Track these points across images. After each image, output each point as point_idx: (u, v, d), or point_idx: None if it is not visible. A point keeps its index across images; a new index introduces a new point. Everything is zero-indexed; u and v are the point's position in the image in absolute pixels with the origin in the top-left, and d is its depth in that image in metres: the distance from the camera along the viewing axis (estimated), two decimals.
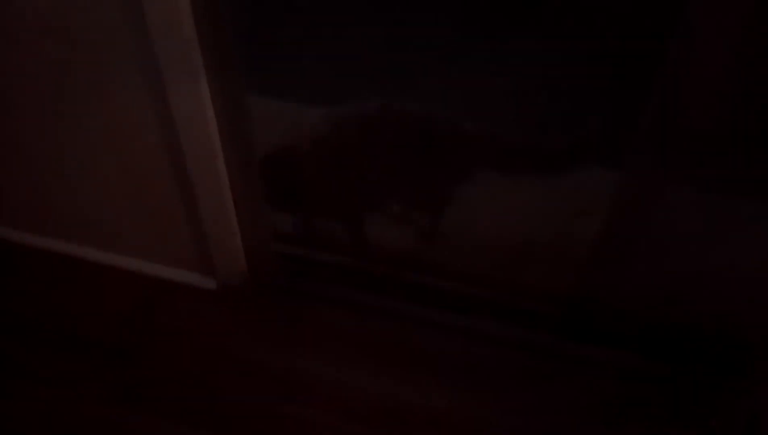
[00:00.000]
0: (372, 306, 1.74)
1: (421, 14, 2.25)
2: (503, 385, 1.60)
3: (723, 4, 1.10)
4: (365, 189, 1.77)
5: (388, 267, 1.83)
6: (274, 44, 2.34)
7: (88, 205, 1.66)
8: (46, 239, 1.81)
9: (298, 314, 1.74)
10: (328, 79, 2.24)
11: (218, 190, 1.49)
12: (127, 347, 1.66)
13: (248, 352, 1.65)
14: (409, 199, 1.89)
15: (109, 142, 1.48)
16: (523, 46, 2.18)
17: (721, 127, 1.31)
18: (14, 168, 1.64)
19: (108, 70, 1.33)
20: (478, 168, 1.82)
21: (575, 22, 2.16)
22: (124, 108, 1.39)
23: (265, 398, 1.56)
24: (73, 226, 1.75)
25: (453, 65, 2.20)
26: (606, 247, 1.54)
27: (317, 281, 1.78)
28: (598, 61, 2.04)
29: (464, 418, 1.54)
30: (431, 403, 1.56)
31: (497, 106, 2.04)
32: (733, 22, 1.12)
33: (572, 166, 1.80)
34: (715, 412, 1.54)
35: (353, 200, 1.79)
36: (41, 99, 1.44)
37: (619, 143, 1.51)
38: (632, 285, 1.61)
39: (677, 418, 1.54)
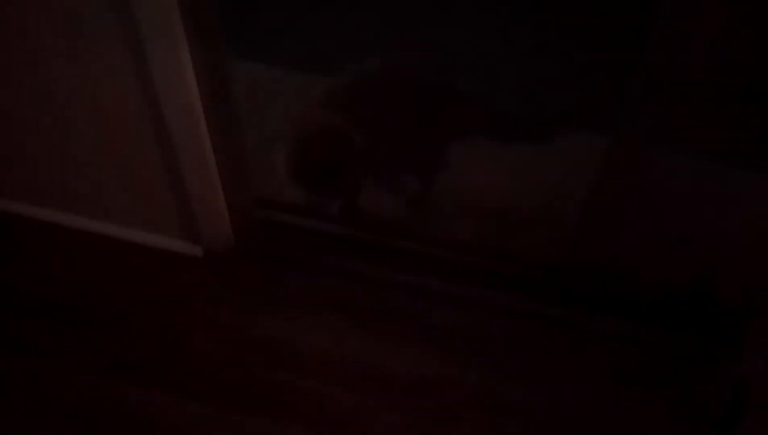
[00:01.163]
0: (360, 273, 1.72)
1: None
2: (496, 352, 1.60)
3: None
4: (363, 155, 1.73)
5: (376, 234, 1.81)
6: (258, 6, 2.31)
7: (70, 172, 1.64)
8: (27, 206, 1.79)
9: (285, 281, 1.72)
10: (315, 41, 2.21)
11: (201, 155, 1.47)
12: (113, 315, 1.65)
13: (234, 319, 1.64)
14: (402, 163, 1.86)
15: (90, 106, 1.45)
16: (515, 11, 2.15)
17: (711, 91, 1.30)
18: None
19: (87, 33, 1.30)
20: (470, 130, 1.80)
21: None
22: (104, 71, 1.36)
23: (250, 365, 1.56)
24: (55, 193, 1.73)
25: (442, 27, 2.17)
26: (595, 213, 1.53)
27: (304, 248, 1.77)
28: (588, 25, 2.02)
29: (450, 385, 1.53)
30: (419, 371, 1.55)
31: (487, 68, 2.02)
32: None
33: (560, 133, 1.78)
34: (703, 378, 1.54)
35: (352, 168, 1.76)
36: (19, 62, 1.41)
37: (607, 108, 1.50)
38: (622, 251, 1.60)
39: (665, 383, 1.54)
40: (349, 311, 1.66)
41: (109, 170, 1.59)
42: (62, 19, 1.29)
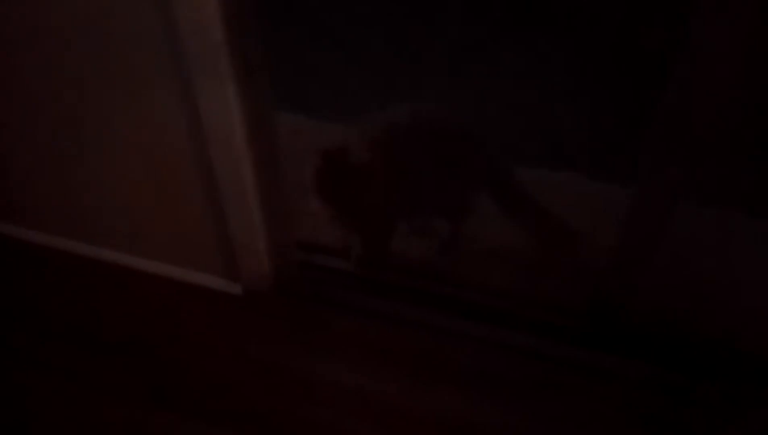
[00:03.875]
0: (392, 315, 1.76)
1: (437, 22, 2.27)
2: (522, 395, 1.61)
3: (729, 13, 1.12)
4: (393, 201, 1.78)
5: (407, 277, 1.86)
6: (297, 60, 2.39)
7: (113, 209, 1.72)
8: (73, 242, 1.87)
9: (321, 321, 1.77)
10: (351, 93, 2.27)
11: (244, 196, 1.53)
12: (152, 349, 1.70)
13: (271, 356, 1.68)
14: (431, 209, 1.91)
15: (137, 145, 1.53)
16: (532, 57, 2.20)
17: (735, 141, 1.31)
18: (41, 170, 1.70)
19: (138, 73, 1.38)
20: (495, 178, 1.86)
21: (587, 35, 2.17)
22: (153, 111, 1.43)
23: (286, 401, 1.59)
24: (99, 229, 1.80)
25: (463, 74, 2.22)
26: (622, 259, 1.56)
27: (340, 289, 1.81)
28: (610, 75, 2.06)
29: (483, 427, 1.55)
30: (450, 412, 1.57)
31: (509, 113, 2.07)
32: (741, 29, 1.14)
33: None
34: (731, 424, 1.53)
35: (381, 213, 1.81)
36: (70, 99, 1.50)
37: (632, 156, 1.53)
38: (649, 297, 1.62)
39: (693, 429, 1.54)
40: (382, 352, 1.69)
41: (153, 208, 1.66)
42: (114, 63, 1.38)
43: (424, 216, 1.98)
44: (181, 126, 1.44)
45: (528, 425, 1.55)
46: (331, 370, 1.66)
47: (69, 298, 1.82)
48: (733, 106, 1.26)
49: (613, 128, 2.03)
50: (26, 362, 1.68)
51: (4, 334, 1.74)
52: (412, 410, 1.57)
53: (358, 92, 2.27)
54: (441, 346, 1.71)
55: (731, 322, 1.66)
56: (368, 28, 2.35)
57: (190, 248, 1.74)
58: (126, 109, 1.46)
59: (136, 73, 1.38)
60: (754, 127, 1.31)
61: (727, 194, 1.55)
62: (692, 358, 1.63)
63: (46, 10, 1.34)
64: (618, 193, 1.88)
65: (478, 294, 1.81)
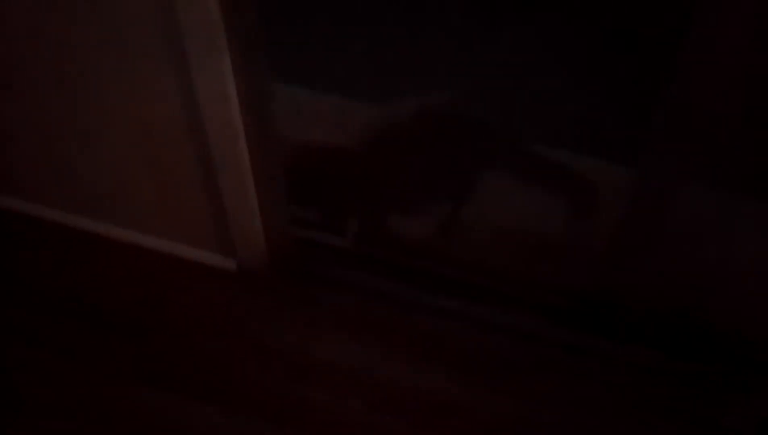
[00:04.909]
0: (388, 294, 1.74)
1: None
2: (517, 376, 1.60)
3: None
4: (395, 185, 1.76)
5: (407, 256, 1.83)
6: (301, 31, 2.35)
7: (108, 182, 1.69)
8: (66, 214, 1.84)
9: (315, 299, 1.75)
10: (350, 68, 2.24)
11: (239, 170, 1.50)
12: (144, 324, 1.68)
13: (263, 333, 1.67)
14: (432, 191, 1.89)
15: (131, 117, 1.50)
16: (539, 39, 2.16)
17: (739, 122, 1.29)
18: (34, 141, 1.67)
19: (133, 45, 1.34)
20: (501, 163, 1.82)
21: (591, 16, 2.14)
22: (148, 84, 1.40)
23: (277, 378, 1.58)
24: (94, 202, 1.77)
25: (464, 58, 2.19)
26: (624, 243, 1.54)
27: (335, 267, 1.79)
28: (613, 56, 2.02)
29: (476, 407, 1.54)
30: (443, 391, 1.56)
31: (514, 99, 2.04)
32: (746, 11, 1.11)
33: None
34: (727, 411, 1.52)
35: (382, 196, 1.79)
36: (63, 70, 1.46)
37: (633, 139, 1.50)
38: (650, 282, 1.60)
39: (689, 415, 1.53)
40: (377, 331, 1.68)
41: (148, 181, 1.63)
42: (110, 35, 1.34)
43: (428, 197, 1.95)
44: (176, 99, 1.41)
45: (522, 406, 1.54)
46: (325, 349, 1.64)
47: (60, 271, 1.80)
48: (738, 87, 1.24)
49: (616, 108, 2.00)
50: (17, 336, 1.66)
51: (3, 308, 1.72)
52: (405, 391, 1.56)
53: (362, 65, 2.23)
54: (436, 326, 1.69)
55: (734, 308, 1.64)
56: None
57: (184, 222, 1.71)
58: (121, 81, 1.42)
59: (130, 45, 1.34)
60: (760, 109, 1.29)
61: (733, 177, 1.52)
62: (692, 344, 1.62)
63: None
64: (620, 175, 1.84)
65: (475, 274, 1.78)
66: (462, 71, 2.14)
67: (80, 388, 1.57)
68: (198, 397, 1.55)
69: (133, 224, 1.79)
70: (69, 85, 1.49)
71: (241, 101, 1.39)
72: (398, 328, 1.69)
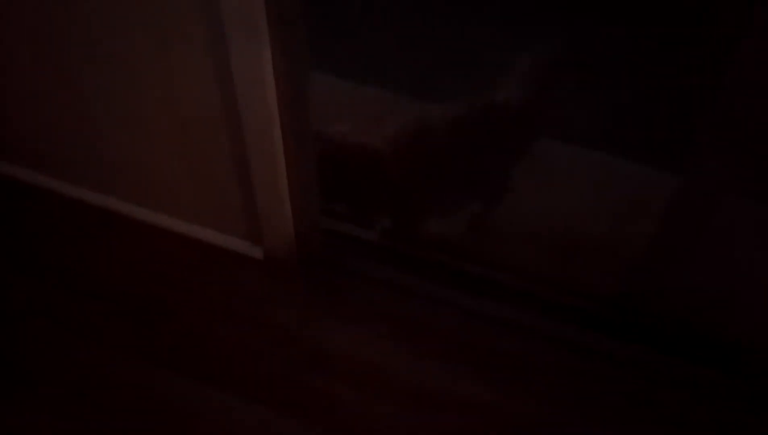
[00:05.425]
0: (415, 290, 1.71)
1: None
2: (543, 380, 1.57)
3: None
4: (428, 183, 1.75)
5: (436, 252, 1.81)
6: (343, 23, 2.33)
7: (139, 163, 1.67)
8: (95, 194, 1.83)
9: (340, 290, 1.73)
10: (388, 59, 2.21)
11: (272, 159, 1.48)
12: (166, 307, 1.68)
13: (287, 323, 1.65)
14: (466, 189, 1.86)
15: (166, 98, 1.48)
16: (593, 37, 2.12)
17: None
18: (68, 121, 1.66)
19: (170, 26, 1.32)
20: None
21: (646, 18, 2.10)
22: (184, 66, 1.38)
23: (299, 370, 1.56)
24: (122, 182, 1.76)
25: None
26: (661, 248, 1.50)
27: (362, 260, 1.77)
28: (661, 60, 1.98)
29: (498, 407, 1.51)
30: (461, 390, 1.54)
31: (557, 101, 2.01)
32: None
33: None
34: (751, 423, 1.48)
35: (415, 193, 1.77)
36: (99, 50, 1.45)
37: (680, 146, 1.47)
38: (685, 290, 1.56)
39: (719, 426, 1.49)
40: (400, 326, 1.65)
41: (179, 164, 1.62)
42: (146, 16, 1.32)
43: (461, 196, 1.92)
44: (212, 84, 1.39)
45: (547, 409, 1.51)
46: (349, 341, 1.62)
47: (85, 251, 1.80)
48: None
49: (662, 113, 1.96)
50: (38, 315, 1.66)
51: (25, 287, 1.72)
52: (429, 390, 1.54)
53: (398, 58, 2.20)
54: (462, 325, 1.66)
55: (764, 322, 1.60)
56: None
57: (213, 208, 1.70)
58: (157, 62, 1.40)
59: (168, 26, 1.32)
60: None
61: None
62: (724, 355, 1.58)
63: None
64: (660, 180, 1.80)
65: (504, 274, 1.75)
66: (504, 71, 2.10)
67: (98, 369, 1.56)
68: (218, 383, 1.54)
69: (160, 206, 1.78)
70: (104, 66, 1.47)
71: (278, 88, 1.36)
72: (424, 325, 1.66)
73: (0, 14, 1.47)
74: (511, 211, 1.89)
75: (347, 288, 1.73)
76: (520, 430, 1.48)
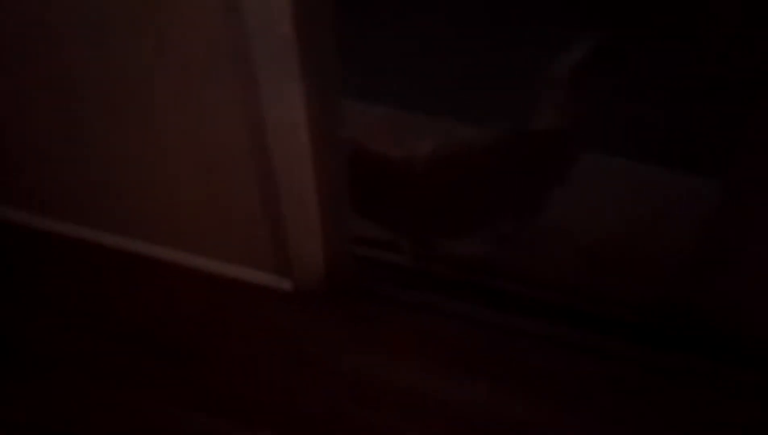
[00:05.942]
0: (451, 312, 1.68)
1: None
2: (586, 395, 1.55)
3: None
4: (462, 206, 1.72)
5: (468, 272, 1.77)
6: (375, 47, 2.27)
7: (161, 204, 1.61)
8: (119, 237, 1.76)
9: (375, 318, 1.69)
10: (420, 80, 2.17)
11: (304, 195, 1.43)
12: (199, 348, 1.63)
13: (320, 354, 1.61)
14: (500, 209, 1.82)
15: (189, 139, 1.42)
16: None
17: None
18: (91, 164, 1.59)
19: (196, 70, 1.26)
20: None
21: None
22: (212, 108, 1.32)
23: (335, 401, 1.53)
24: (145, 224, 1.70)
25: None
26: (704, 256, 1.48)
27: (395, 285, 1.73)
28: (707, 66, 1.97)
29: (543, 427, 1.49)
30: (509, 411, 1.51)
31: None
32: None
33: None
34: None
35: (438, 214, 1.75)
36: (118, 96, 1.38)
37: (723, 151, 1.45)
38: (729, 298, 1.54)
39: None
40: (438, 351, 1.62)
41: (202, 203, 1.56)
42: (172, 57, 1.26)
43: (492, 220, 1.87)
44: (241, 125, 1.33)
45: (593, 427, 1.49)
46: (390, 370, 1.58)
47: (115, 295, 1.73)
48: None
49: (706, 120, 1.94)
50: (73, 362, 1.60)
51: (54, 335, 1.66)
52: (470, 412, 1.51)
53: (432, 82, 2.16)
54: (500, 344, 1.63)
55: None
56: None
57: (237, 243, 1.64)
58: (179, 104, 1.34)
59: (192, 66, 1.26)
60: None
61: None
62: None
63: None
64: (702, 187, 1.78)
65: (540, 289, 1.73)
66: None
67: (134, 414, 1.52)
68: (256, 423, 1.50)
69: (183, 245, 1.72)
70: (125, 112, 1.41)
71: (311, 128, 1.30)
72: (460, 346, 1.63)
73: (18, 61, 1.39)
74: (550, 227, 1.86)
75: (382, 315, 1.68)
76: None
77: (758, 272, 1.47)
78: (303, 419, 1.50)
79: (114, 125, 1.45)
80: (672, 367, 1.58)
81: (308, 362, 1.60)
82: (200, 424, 1.50)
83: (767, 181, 1.31)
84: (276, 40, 1.15)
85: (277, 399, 1.54)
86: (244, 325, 1.67)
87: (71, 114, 1.46)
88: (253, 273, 1.70)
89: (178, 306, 1.70)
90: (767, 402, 1.52)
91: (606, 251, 1.83)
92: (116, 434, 1.49)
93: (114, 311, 1.70)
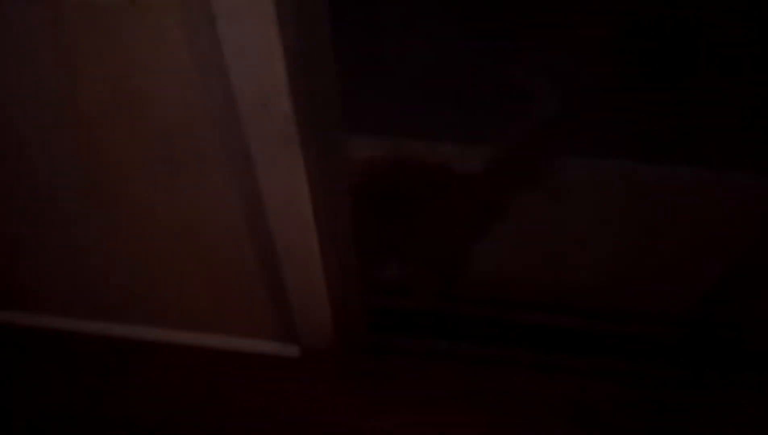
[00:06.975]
0: (467, 354, 1.58)
1: None
2: (621, 425, 1.47)
3: None
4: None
5: (482, 306, 1.66)
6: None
7: (155, 288, 1.47)
8: (105, 324, 1.61)
9: (390, 371, 1.57)
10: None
11: (309, 267, 1.30)
12: (206, 428, 1.50)
13: (337, 419, 1.50)
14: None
15: (187, 227, 1.28)
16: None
17: None
18: (68, 249, 1.42)
19: (183, 156, 1.12)
20: None
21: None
22: (205, 194, 1.19)
23: None
24: (138, 309, 1.55)
25: None
26: (744, 265, 1.40)
27: (409, 334, 1.62)
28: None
29: None
30: None
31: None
32: None
33: None
34: None
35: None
36: (105, 189, 1.23)
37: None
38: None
39: None
40: (464, 398, 1.52)
41: (200, 282, 1.42)
42: (158, 150, 1.12)
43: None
44: (237, 203, 1.20)
45: None
46: (404, 426, 1.48)
47: (112, 385, 1.58)
48: None
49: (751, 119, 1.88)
50: None
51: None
52: None
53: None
54: (525, 381, 1.54)
55: None
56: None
57: (240, 316, 1.51)
58: (168, 189, 1.20)
59: (178, 152, 1.12)
60: None
61: None
62: None
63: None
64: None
65: (564, 317, 1.62)
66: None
67: None
68: None
69: (181, 324, 1.57)
70: (112, 204, 1.26)
71: (314, 198, 1.16)
72: (483, 389, 1.53)
73: None
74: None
75: (399, 368, 1.57)
76: None
77: None
78: None
79: (103, 222, 1.30)
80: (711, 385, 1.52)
81: (319, 429, 1.49)
82: None
83: None
84: (273, 117, 1.01)
85: None
86: (251, 398, 1.54)
87: (55, 210, 1.30)
88: (256, 343, 1.57)
89: (177, 387, 1.56)
90: None
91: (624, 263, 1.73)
92: None
93: (111, 404, 1.55)
